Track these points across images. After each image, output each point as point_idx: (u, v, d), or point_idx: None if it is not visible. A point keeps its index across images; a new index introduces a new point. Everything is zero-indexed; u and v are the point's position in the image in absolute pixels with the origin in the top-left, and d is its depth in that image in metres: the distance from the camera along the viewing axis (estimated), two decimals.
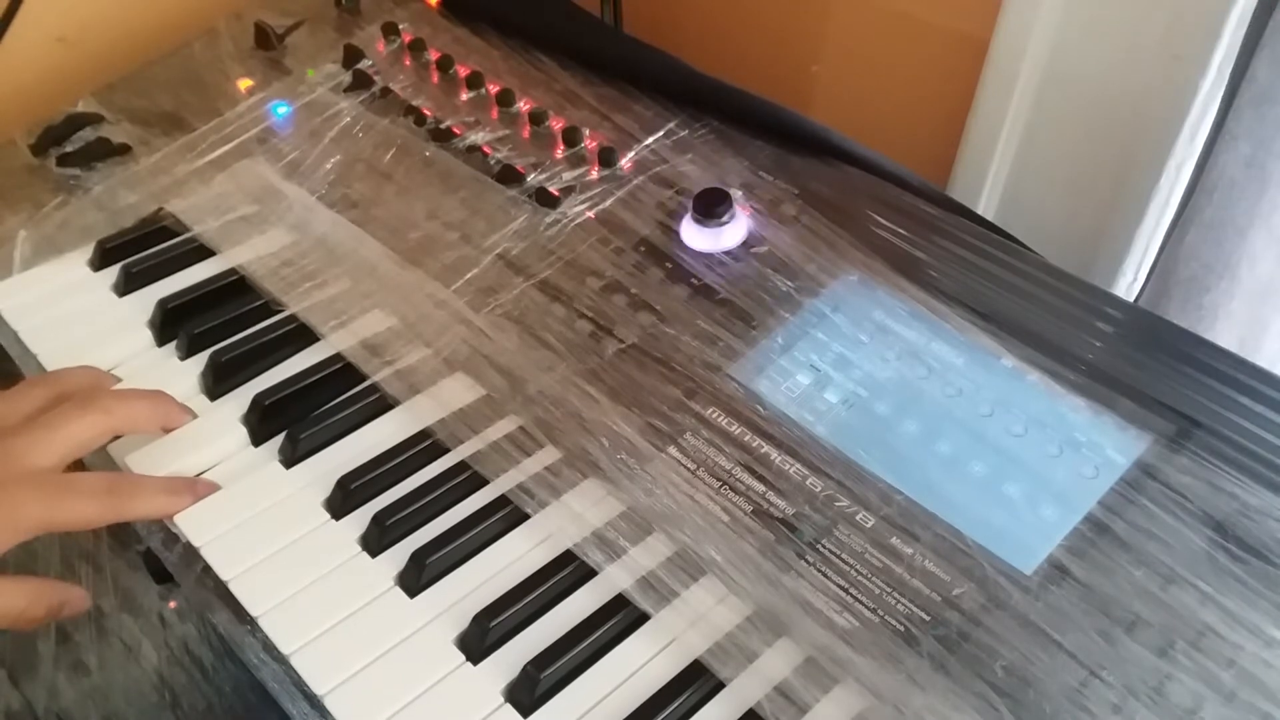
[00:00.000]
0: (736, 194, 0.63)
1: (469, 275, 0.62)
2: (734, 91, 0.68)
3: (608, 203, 0.65)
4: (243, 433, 0.56)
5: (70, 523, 0.50)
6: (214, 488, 0.53)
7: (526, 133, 0.70)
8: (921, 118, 0.86)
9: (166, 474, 0.54)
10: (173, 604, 0.64)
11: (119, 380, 0.58)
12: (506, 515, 0.52)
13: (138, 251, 0.66)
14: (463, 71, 0.74)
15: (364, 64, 0.75)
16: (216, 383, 0.58)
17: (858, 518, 0.50)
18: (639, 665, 0.46)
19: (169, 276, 0.65)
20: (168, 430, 0.55)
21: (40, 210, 0.68)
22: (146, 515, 0.52)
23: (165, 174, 0.70)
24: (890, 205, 0.62)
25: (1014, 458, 0.51)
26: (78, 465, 0.52)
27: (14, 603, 0.49)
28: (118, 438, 0.54)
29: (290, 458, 0.55)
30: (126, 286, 0.64)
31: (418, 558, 0.50)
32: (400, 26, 0.77)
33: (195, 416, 0.56)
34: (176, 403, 0.56)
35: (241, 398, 0.57)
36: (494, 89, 0.73)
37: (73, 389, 0.54)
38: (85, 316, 0.63)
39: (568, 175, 0.67)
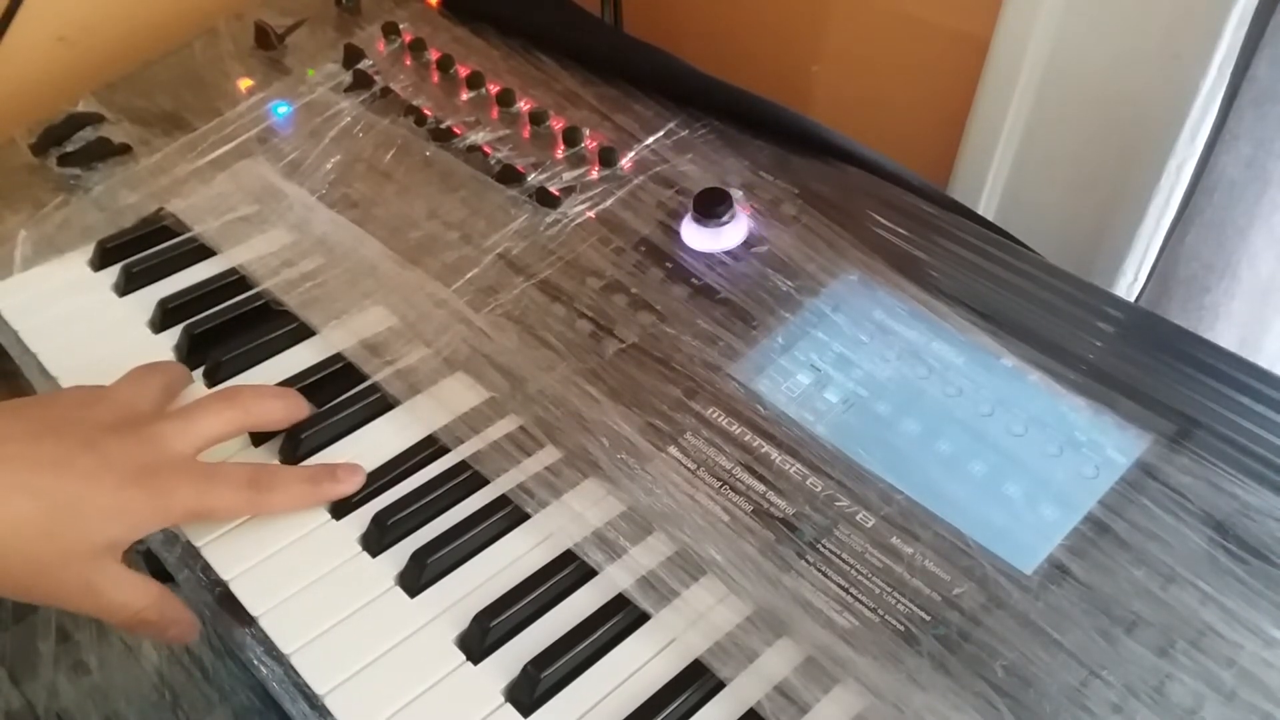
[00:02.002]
0: (737, 194, 0.63)
1: (469, 275, 0.62)
2: (734, 91, 0.68)
3: (608, 202, 0.65)
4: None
5: (215, 511, 0.51)
6: (360, 473, 0.53)
7: (527, 132, 0.70)
8: (921, 118, 0.86)
9: None
10: None
11: (193, 380, 0.58)
12: (507, 515, 0.52)
13: (138, 251, 0.66)
14: (463, 71, 0.74)
15: (364, 64, 0.75)
16: (216, 382, 0.58)
17: (858, 517, 0.50)
18: (639, 665, 0.46)
19: (169, 276, 0.65)
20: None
21: (40, 210, 0.68)
22: (287, 509, 0.52)
23: (165, 174, 0.70)
24: (890, 205, 0.62)
25: (1014, 457, 0.51)
26: None
27: (135, 600, 0.48)
28: None
29: (291, 458, 0.55)
30: (127, 286, 0.64)
31: (418, 557, 0.50)
32: (400, 26, 0.77)
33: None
34: (306, 402, 0.56)
35: None
36: (494, 89, 0.73)
37: (176, 379, 0.56)
38: (86, 316, 0.63)
39: (568, 175, 0.67)
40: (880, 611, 0.46)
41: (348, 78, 0.75)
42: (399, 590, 0.49)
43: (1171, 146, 0.69)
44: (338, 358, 0.59)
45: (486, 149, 0.69)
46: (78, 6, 0.82)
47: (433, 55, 0.75)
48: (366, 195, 0.67)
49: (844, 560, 0.48)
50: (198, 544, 0.51)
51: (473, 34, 0.77)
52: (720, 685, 0.46)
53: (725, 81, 0.69)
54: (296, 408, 0.55)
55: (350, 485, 0.52)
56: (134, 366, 0.55)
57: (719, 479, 0.51)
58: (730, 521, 0.50)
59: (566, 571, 0.49)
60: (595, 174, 0.67)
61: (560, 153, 0.68)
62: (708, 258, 0.61)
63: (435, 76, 0.75)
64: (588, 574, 0.50)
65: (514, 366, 0.57)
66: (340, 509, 0.52)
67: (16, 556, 0.45)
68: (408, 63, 0.76)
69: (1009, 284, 0.57)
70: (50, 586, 0.47)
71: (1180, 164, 0.69)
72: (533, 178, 0.66)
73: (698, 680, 0.45)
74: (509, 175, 0.67)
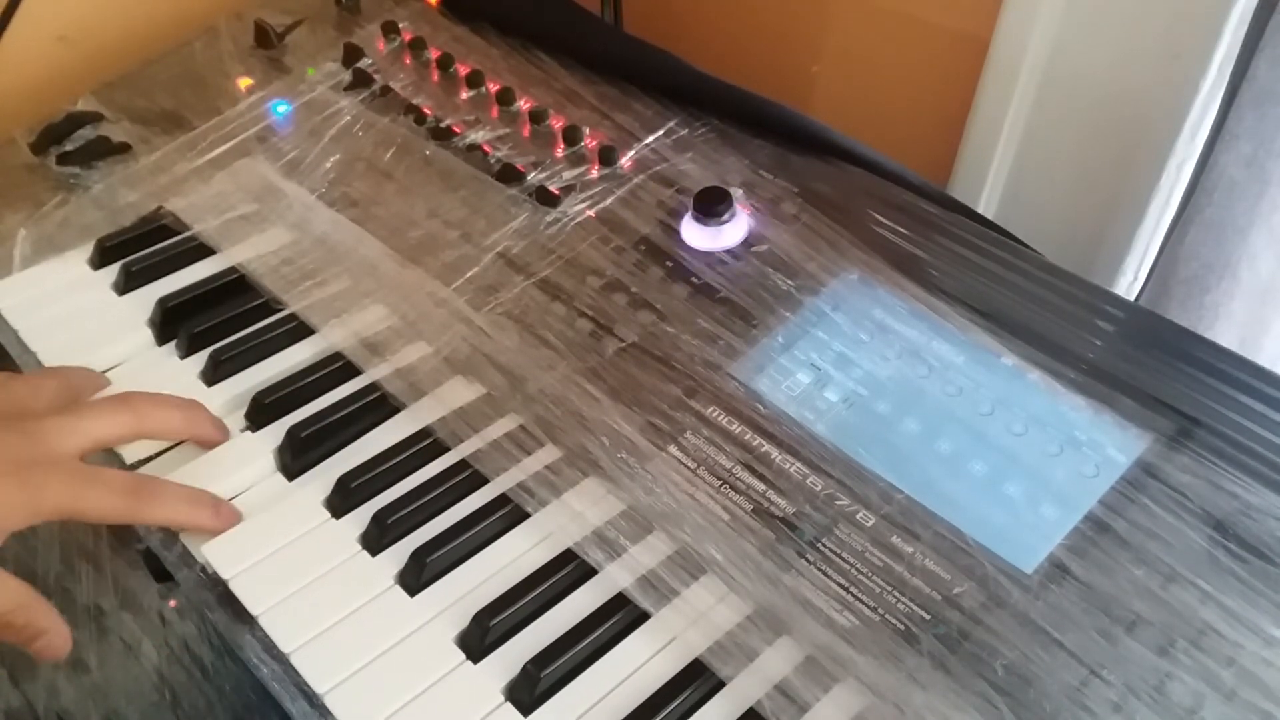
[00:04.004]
0: (737, 192, 0.63)
1: (469, 274, 0.62)
2: (734, 90, 0.68)
3: (608, 201, 0.65)
4: (242, 425, 0.56)
5: (88, 513, 0.49)
6: (236, 516, 0.52)
7: (527, 131, 0.70)
8: (921, 118, 0.86)
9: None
10: (173, 603, 0.64)
11: (110, 384, 0.57)
12: (507, 514, 0.52)
13: (137, 250, 0.66)
14: (463, 70, 0.74)
15: (364, 63, 0.75)
16: (215, 381, 0.58)
17: (858, 516, 0.49)
18: (639, 664, 0.46)
19: (169, 275, 0.65)
20: (200, 443, 0.55)
21: (40, 209, 0.68)
22: (164, 522, 0.51)
23: (165, 172, 0.70)
24: (890, 204, 0.62)
25: (1014, 456, 0.51)
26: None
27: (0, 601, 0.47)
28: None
29: (291, 457, 0.54)
30: (126, 285, 0.64)
31: (418, 556, 0.50)
32: (400, 25, 0.77)
33: (229, 438, 0.55)
34: (211, 416, 0.55)
35: (242, 395, 0.57)
36: (494, 88, 0.73)
37: (79, 384, 0.55)
38: (85, 315, 0.63)
39: (568, 174, 0.67)
40: (880, 610, 0.46)
41: (347, 76, 0.75)
42: (399, 589, 0.49)
43: (1171, 146, 0.69)
44: (337, 356, 0.59)
45: (486, 148, 0.69)
46: (78, 6, 0.82)
47: (432, 54, 0.75)
48: (366, 194, 0.67)
49: (844, 559, 0.48)
50: (197, 544, 0.51)
51: (472, 33, 0.77)
52: (720, 684, 0.46)
53: (725, 81, 0.69)
54: (197, 421, 0.54)
55: (221, 524, 0.51)
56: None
57: (719, 478, 0.51)
58: (730, 520, 0.50)
59: (566, 570, 0.49)
60: (595, 173, 0.67)
61: (560, 151, 0.68)
62: (708, 256, 0.61)
63: (435, 75, 0.75)
64: (588, 573, 0.50)
65: (514, 365, 0.57)
66: (340, 508, 0.52)
67: None
68: (407, 62, 0.76)
69: (1009, 283, 0.57)
70: None
71: (1180, 164, 0.70)
72: (532, 176, 0.66)
73: (698, 679, 0.45)
74: (509, 174, 0.67)
